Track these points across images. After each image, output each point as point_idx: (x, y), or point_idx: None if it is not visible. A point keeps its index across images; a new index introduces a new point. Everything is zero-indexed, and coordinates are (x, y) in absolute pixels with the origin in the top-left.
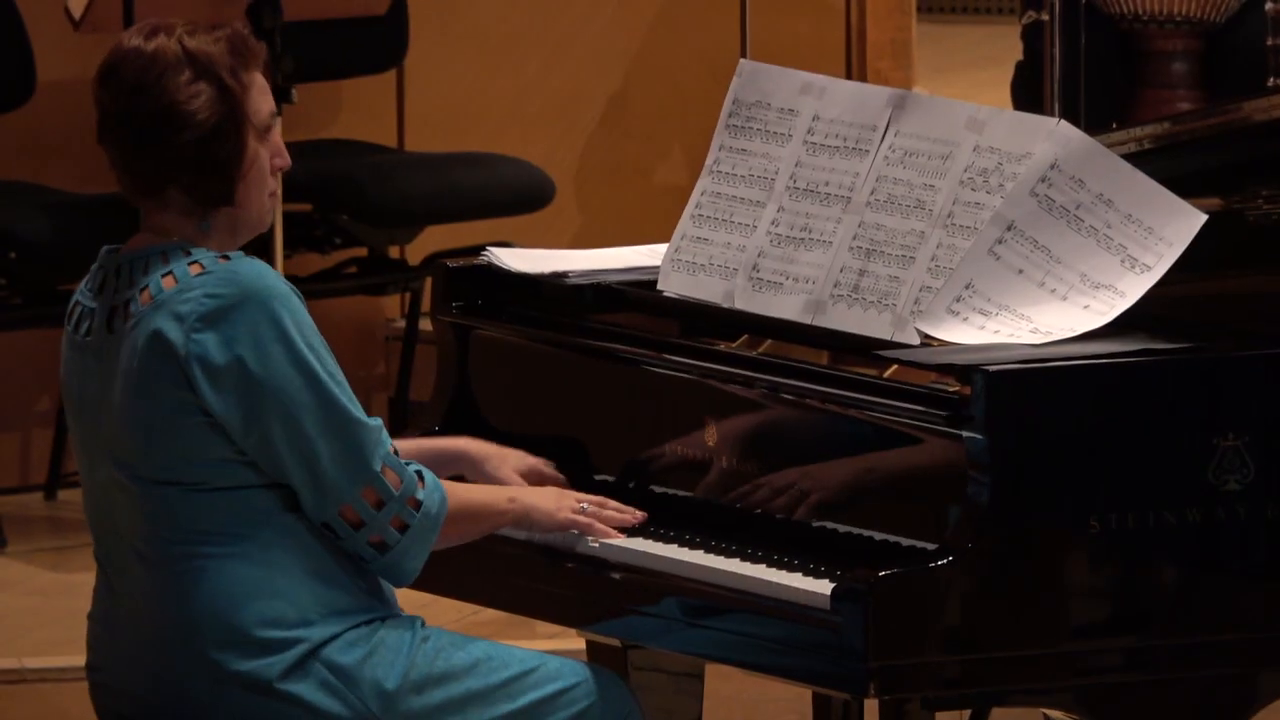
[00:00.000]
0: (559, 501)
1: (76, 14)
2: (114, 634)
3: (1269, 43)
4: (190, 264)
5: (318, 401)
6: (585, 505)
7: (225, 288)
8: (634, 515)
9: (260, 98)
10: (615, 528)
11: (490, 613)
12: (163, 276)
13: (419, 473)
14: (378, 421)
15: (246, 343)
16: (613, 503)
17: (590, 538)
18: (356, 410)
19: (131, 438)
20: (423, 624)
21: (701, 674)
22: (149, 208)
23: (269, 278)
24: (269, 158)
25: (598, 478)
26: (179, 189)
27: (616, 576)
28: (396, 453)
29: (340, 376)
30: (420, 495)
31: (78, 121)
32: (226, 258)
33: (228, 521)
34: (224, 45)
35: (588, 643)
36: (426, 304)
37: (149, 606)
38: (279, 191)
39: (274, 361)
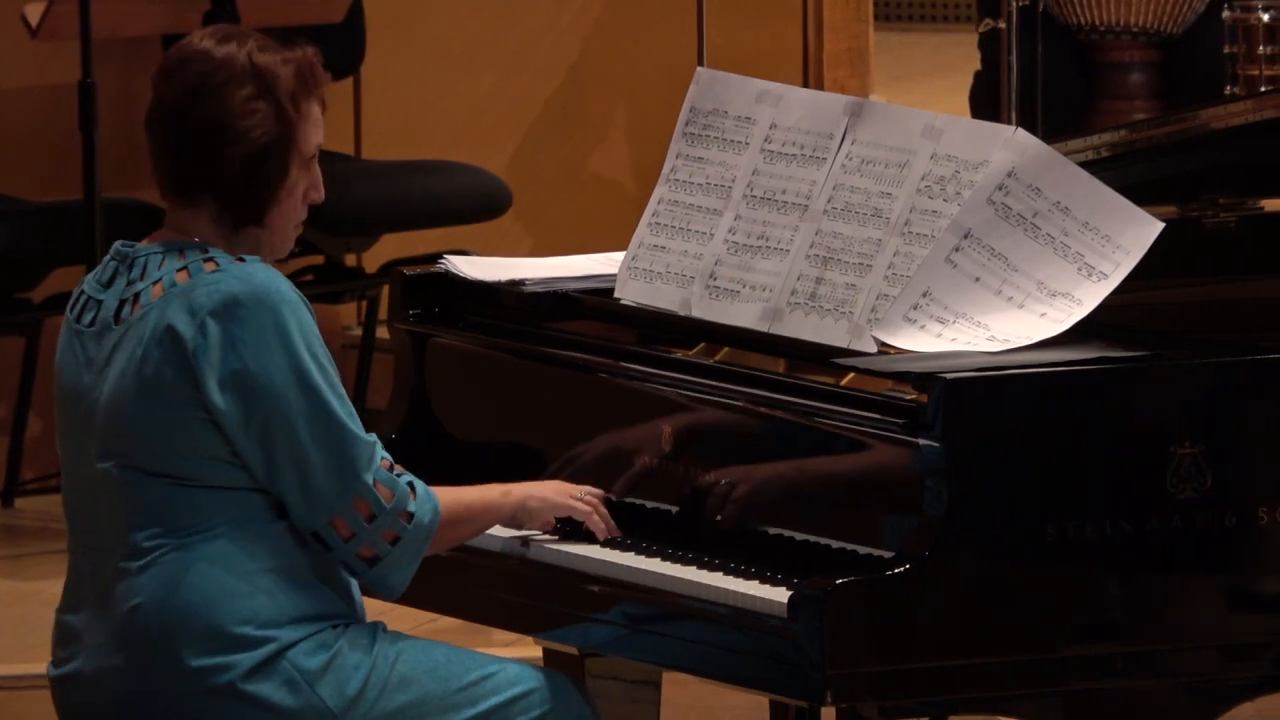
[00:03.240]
0: (556, 490)
1: (34, 22)
2: (86, 626)
3: (1226, 50)
4: (205, 260)
5: (314, 410)
6: (584, 494)
7: (238, 286)
8: (612, 529)
9: (313, 129)
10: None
11: (447, 621)
12: (177, 271)
13: (410, 484)
14: (373, 438)
15: (251, 343)
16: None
17: (545, 544)
18: (353, 424)
19: (130, 427)
20: (384, 629)
21: (658, 682)
22: (177, 207)
23: (281, 283)
24: (305, 188)
25: None
26: (213, 198)
27: (573, 584)
28: (391, 468)
29: (340, 390)
30: (412, 507)
31: (35, 129)
32: (242, 260)
33: (214, 519)
34: (292, 69)
35: (545, 650)
36: (384, 312)
37: (126, 599)
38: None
39: (275, 366)
